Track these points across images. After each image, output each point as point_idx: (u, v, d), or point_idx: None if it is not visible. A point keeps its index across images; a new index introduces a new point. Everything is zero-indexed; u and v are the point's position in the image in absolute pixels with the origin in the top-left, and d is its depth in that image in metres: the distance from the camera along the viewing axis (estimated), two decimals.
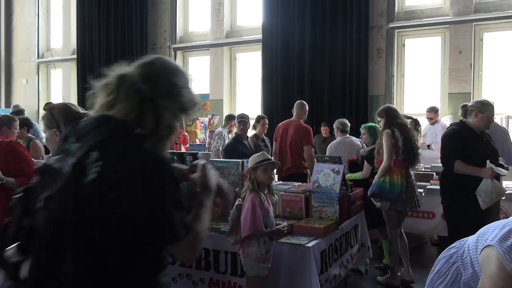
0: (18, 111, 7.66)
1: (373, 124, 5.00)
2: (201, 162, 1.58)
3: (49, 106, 2.62)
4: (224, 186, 1.59)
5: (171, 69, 1.40)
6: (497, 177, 3.67)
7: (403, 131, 4.15)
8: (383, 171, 4.08)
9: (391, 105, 4.64)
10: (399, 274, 4.34)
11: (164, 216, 1.24)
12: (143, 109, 1.31)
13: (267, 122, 6.25)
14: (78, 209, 1.18)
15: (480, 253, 1.56)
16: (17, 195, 1.37)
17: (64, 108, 2.42)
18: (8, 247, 1.28)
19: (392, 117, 4.20)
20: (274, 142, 5.84)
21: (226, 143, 6.63)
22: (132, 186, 1.20)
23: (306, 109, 5.76)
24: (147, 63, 1.39)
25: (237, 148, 5.63)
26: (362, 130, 5.00)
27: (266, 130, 6.25)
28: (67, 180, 1.20)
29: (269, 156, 3.17)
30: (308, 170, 5.51)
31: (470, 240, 1.68)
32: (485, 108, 3.79)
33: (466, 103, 4.04)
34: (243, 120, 5.93)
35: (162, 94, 1.34)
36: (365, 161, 4.74)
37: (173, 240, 1.26)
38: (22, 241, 1.27)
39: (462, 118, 3.98)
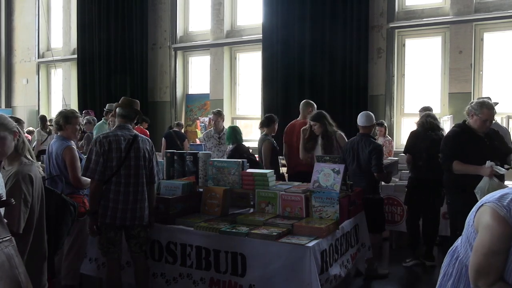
0: (109, 111, 7.02)
1: (232, 125, 5.89)
2: None
3: None
4: None
5: None
6: (500, 177, 3.61)
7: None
8: None
9: (323, 111, 5.07)
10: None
11: None
12: None
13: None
14: None
15: (473, 220, 1.56)
16: None
17: None
18: None
19: (328, 122, 4.90)
20: (284, 144, 5.67)
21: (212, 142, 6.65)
22: None
23: (311, 109, 5.58)
24: None
25: None
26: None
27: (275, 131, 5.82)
28: None
29: None
30: None
31: (464, 228, 1.68)
32: (480, 110, 3.70)
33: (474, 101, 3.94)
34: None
35: None
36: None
37: None
38: None
39: (467, 117, 3.91)
